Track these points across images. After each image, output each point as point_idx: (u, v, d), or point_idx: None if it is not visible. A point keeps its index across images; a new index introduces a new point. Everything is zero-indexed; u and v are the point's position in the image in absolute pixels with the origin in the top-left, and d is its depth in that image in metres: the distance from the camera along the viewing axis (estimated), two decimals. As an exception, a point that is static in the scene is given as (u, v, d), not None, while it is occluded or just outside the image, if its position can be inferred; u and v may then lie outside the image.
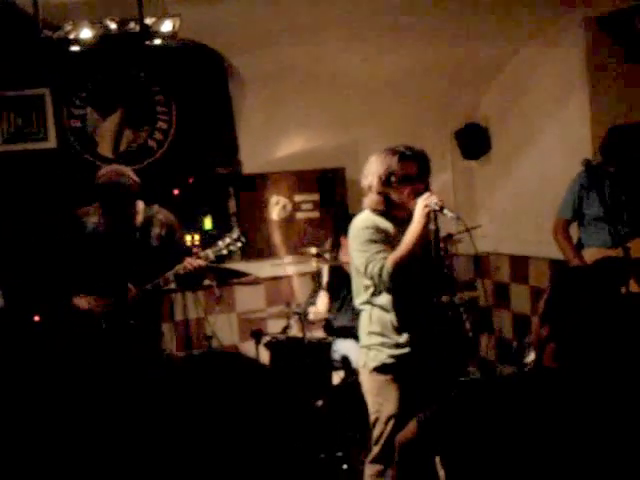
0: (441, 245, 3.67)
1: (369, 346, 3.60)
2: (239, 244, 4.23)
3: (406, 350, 3.52)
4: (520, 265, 6.32)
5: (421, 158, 3.57)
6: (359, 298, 3.66)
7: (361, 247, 3.53)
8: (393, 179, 3.51)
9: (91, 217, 4.16)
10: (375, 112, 6.33)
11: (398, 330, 3.52)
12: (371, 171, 3.59)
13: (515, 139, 6.37)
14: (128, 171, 4.21)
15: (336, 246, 5.78)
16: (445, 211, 3.41)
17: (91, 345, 3.95)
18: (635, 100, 5.62)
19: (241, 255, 6.36)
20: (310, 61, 5.73)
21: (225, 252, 4.21)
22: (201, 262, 4.12)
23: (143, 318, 4.08)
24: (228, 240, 4.20)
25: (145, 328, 4.11)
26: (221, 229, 6.12)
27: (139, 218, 4.15)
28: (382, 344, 3.54)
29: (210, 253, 4.19)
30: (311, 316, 5.33)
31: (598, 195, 4.60)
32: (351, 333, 5.21)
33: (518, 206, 6.25)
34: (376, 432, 3.59)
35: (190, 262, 4.09)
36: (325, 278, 5.60)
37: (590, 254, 4.75)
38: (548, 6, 5.38)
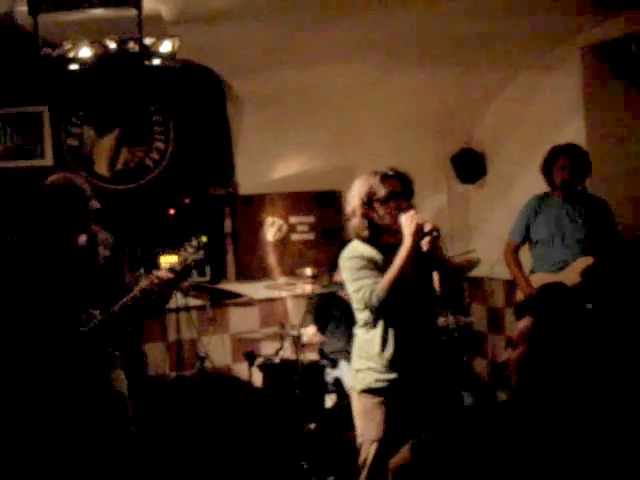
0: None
1: (358, 369, 3.59)
2: (202, 252, 3.81)
3: (395, 375, 3.50)
4: (514, 290, 6.31)
5: (403, 178, 3.55)
6: (357, 322, 3.66)
7: (350, 276, 3.52)
8: (375, 198, 3.48)
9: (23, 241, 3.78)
10: (371, 135, 6.36)
11: (387, 355, 3.50)
12: (353, 194, 3.56)
13: (510, 164, 6.39)
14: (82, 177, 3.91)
15: (332, 268, 5.78)
16: (425, 225, 3.40)
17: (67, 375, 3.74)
18: (631, 127, 5.66)
19: (236, 275, 6.36)
20: (308, 84, 5.76)
21: (190, 261, 3.79)
22: (167, 273, 3.72)
23: (119, 343, 3.88)
24: (190, 249, 3.80)
25: (123, 353, 3.90)
26: (216, 249, 6.12)
27: (82, 238, 3.79)
28: (370, 368, 3.53)
29: (176, 265, 3.78)
30: (305, 338, 5.32)
31: (544, 219, 5.04)
32: (344, 356, 5.20)
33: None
34: (362, 455, 3.58)
35: (155, 274, 3.71)
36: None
37: (536, 280, 5.06)
38: (546, 33, 5.42)
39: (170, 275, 3.75)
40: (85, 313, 3.69)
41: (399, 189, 3.50)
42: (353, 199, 3.55)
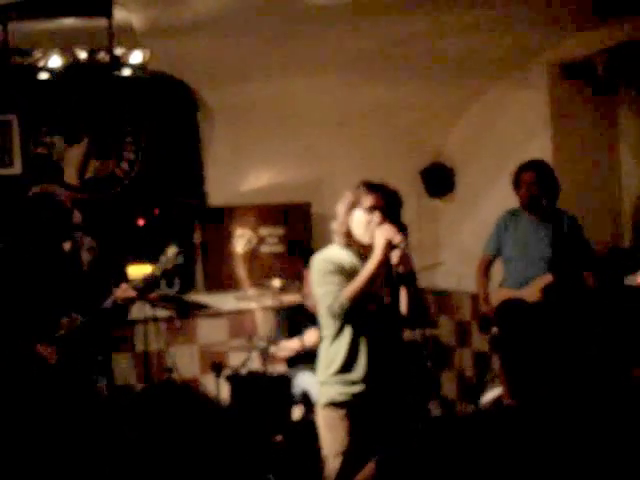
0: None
1: (323, 381, 3.60)
2: (181, 257, 3.97)
3: (359, 388, 3.51)
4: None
5: (389, 194, 3.59)
6: (322, 331, 3.67)
7: (318, 279, 3.54)
8: (358, 208, 3.52)
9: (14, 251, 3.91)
10: (342, 149, 6.39)
11: (351, 367, 3.51)
12: (341, 202, 3.61)
13: (479, 179, 6.46)
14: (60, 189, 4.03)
15: (300, 280, 5.79)
16: (395, 238, 3.41)
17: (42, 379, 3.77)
18: (596, 143, 5.75)
19: (205, 286, 6.35)
20: (278, 96, 5.78)
21: (170, 267, 3.94)
22: (130, 292, 3.85)
23: (93, 348, 3.91)
24: (170, 255, 3.95)
25: (95, 358, 3.94)
26: (185, 260, 6.09)
27: (66, 245, 3.91)
28: (334, 380, 3.53)
29: (156, 270, 3.94)
30: (272, 350, 5.31)
31: (513, 235, 5.12)
32: (311, 368, 5.20)
33: (480, 245, 6.30)
34: (327, 469, 3.58)
35: (133, 281, 3.88)
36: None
37: (498, 294, 5.17)
38: (515, 50, 5.49)
39: (131, 294, 3.86)
40: (68, 316, 3.78)
41: (381, 204, 3.53)
42: (340, 206, 3.60)
